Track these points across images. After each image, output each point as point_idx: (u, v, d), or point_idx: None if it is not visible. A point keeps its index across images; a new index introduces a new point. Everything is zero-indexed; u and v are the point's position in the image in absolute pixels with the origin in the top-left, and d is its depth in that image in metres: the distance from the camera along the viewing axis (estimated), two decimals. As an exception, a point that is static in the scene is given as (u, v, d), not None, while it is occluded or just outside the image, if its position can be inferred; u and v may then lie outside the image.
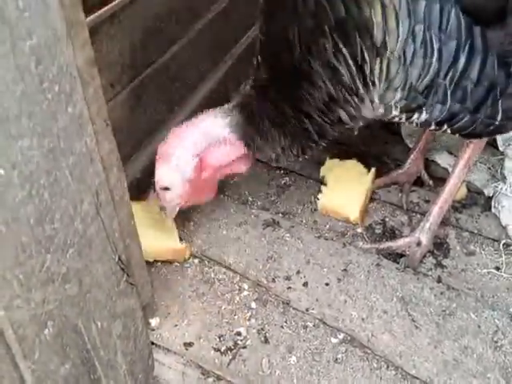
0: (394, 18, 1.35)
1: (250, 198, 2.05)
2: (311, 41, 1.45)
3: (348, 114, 1.57)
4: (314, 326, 1.62)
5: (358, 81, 1.47)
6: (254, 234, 1.88)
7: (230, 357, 1.54)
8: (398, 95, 1.47)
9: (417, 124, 1.56)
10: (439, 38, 1.37)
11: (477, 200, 1.99)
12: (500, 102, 1.47)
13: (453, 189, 1.75)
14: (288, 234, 1.88)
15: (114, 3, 1.72)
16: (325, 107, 1.55)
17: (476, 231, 1.89)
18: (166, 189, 1.70)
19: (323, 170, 2.07)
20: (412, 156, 2.04)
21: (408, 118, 1.56)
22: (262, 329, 1.61)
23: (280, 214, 1.98)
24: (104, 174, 1.10)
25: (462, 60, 1.39)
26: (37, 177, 0.88)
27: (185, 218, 1.93)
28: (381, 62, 1.42)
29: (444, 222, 1.87)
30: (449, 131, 1.56)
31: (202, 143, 1.67)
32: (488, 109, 1.48)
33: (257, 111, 1.64)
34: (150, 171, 1.97)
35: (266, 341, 1.58)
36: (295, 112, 1.58)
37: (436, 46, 1.37)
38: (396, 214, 1.97)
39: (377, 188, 2.04)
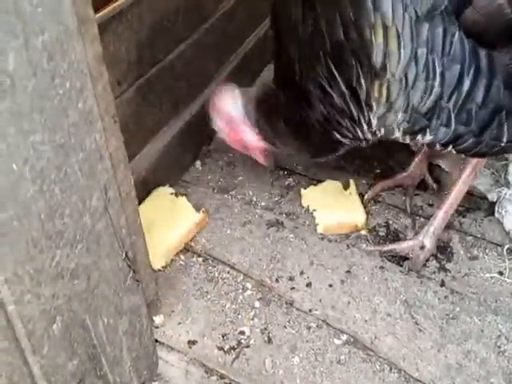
0: (396, 40, 1.32)
1: (254, 198, 2.04)
2: (307, 63, 1.48)
3: (342, 135, 1.58)
4: (317, 326, 1.62)
5: (351, 104, 1.47)
6: (258, 234, 1.88)
7: (234, 356, 1.54)
8: (400, 118, 1.45)
9: (423, 145, 1.55)
10: (442, 62, 1.34)
11: (480, 205, 1.99)
12: (506, 124, 1.44)
13: (458, 194, 1.75)
14: (292, 235, 1.88)
15: (121, 1, 1.72)
16: (320, 127, 1.58)
17: (480, 236, 1.89)
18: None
19: (304, 201, 2.02)
20: (416, 159, 2.04)
21: (412, 139, 1.54)
22: (266, 328, 1.61)
23: (284, 215, 1.98)
24: (112, 171, 1.10)
25: (467, 83, 1.35)
26: (48, 172, 0.89)
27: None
28: (380, 85, 1.40)
29: (448, 226, 1.86)
30: (454, 151, 1.54)
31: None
32: (494, 131, 1.45)
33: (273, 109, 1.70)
34: (155, 169, 1.99)
35: (270, 340, 1.58)
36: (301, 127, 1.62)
37: (438, 70, 1.34)
38: (400, 217, 1.97)
39: (381, 191, 2.04)
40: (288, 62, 1.54)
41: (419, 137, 1.50)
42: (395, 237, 1.89)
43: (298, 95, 1.57)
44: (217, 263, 1.80)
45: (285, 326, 1.62)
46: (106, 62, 1.12)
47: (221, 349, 1.56)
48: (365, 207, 1.99)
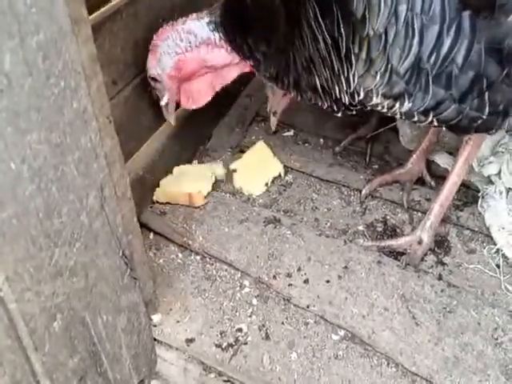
0: None
1: (252, 196, 2.05)
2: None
3: (321, 84, 1.58)
4: (314, 322, 1.62)
5: (332, 54, 1.47)
6: (256, 232, 1.89)
7: (232, 353, 1.55)
8: (379, 79, 1.45)
9: (401, 115, 1.54)
10: (421, 21, 1.33)
11: (477, 198, 2.00)
12: (487, 94, 1.42)
13: (453, 187, 1.76)
14: (289, 232, 1.88)
15: (116, 0, 1.73)
16: (306, 64, 1.57)
17: (477, 229, 1.89)
18: (155, 80, 1.82)
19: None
20: (414, 156, 2.04)
21: (390, 108, 1.53)
22: (263, 325, 1.62)
23: (281, 212, 1.98)
24: (107, 170, 1.11)
25: (447, 44, 1.35)
26: (45, 171, 0.90)
27: (186, 214, 1.94)
28: (360, 40, 1.40)
29: (445, 220, 1.88)
30: (435, 123, 1.52)
31: (186, 42, 1.75)
32: (474, 100, 1.43)
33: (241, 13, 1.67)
34: (152, 168, 1.99)
35: (267, 337, 1.59)
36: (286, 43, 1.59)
37: (417, 29, 1.34)
38: (397, 212, 1.98)
39: (378, 186, 2.05)
40: None
41: (397, 104, 1.50)
42: (393, 232, 1.90)
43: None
44: (214, 261, 1.81)
45: (282, 323, 1.62)
46: (102, 61, 1.13)
47: (219, 346, 1.57)
48: (362, 203, 2.00)
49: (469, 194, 2.03)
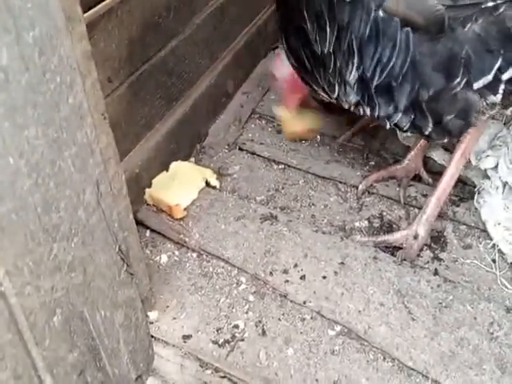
0: (323, 20, 1.52)
1: (249, 193, 2.06)
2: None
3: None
4: (311, 318, 1.63)
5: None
6: (252, 228, 1.89)
7: (228, 349, 1.56)
8: (337, 89, 1.65)
9: (371, 118, 1.70)
10: (359, 41, 1.49)
11: (474, 194, 2.00)
12: (424, 104, 1.53)
13: (450, 180, 1.77)
14: (286, 228, 1.89)
15: (111, -2, 1.73)
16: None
17: (473, 224, 1.90)
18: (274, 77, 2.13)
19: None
20: (412, 153, 2.05)
21: (358, 111, 1.70)
22: (260, 321, 1.62)
23: (278, 209, 1.99)
24: (103, 166, 1.11)
25: (383, 60, 1.49)
26: (42, 166, 0.90)
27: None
28: (317, 56, 1.61)
29: (441, 216, 1.88)
30: (396, 128, 1.66)
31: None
32: (416, 110, 1.55)
33: None
34: (148, 166, 1.99)
35: (264, 333, 1.59)
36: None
37: (356, 48, 1.51)
38: (393, 208, 1.98)
39: (375, 181, 2.06)
40: None
41: (360, 110, 1.67)
42: (389, 228, 1.90)
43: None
44: (211, 258, 1.81)
45: (279, 319, 1.63)
46: (97, 59, 1.14)
47: (215, 342, 1.57)
48: (359, 199, 2.01)
49: (465, 190, 2.03)
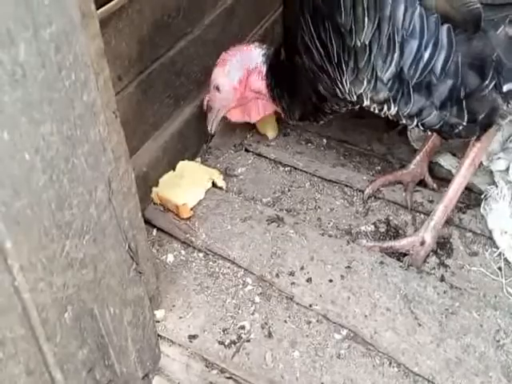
0: (361, 9, 1.44)
1: (255, 194, 2.05)
2: (297, 23, 1.64)
3: (325, 89, 1.74)
4: (317, 321, 1.63)
5: (326, 63, 1.62)
6: (259, 230, 1.89)
7: (234, 350, 1.55)
8: (366, 85, 1.58)
9: (391, 117, 1.66)
10: (402, 36, 1.45)
11: (480, 201, 1.99)
12: (465, 103, 1.51)
13: (458, 188, 1.76)
14: (292, 231, 1.88)
15: (122, -3, 1.73)
16: (311, 76, 1.73)
17: (479, 232, 1.89)
18: (217, 89, 2.01)
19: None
20: (418, 157, 2.05)
21: (380, 110, 1.66)
22: (266, 323, 1.62)
23: (284, 211, 1.98)
24: (114, 164, 1.11)
25: (425, 56, 1.45)
26: (57, 162, 0.90)
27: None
28: (348, 50, 1.53)
29: (448, 222, 1.88)
30: (421, 127, 1.63)
31: (246, 63, 1.99)
32: (453, 107, 1.53)
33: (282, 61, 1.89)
34: (155, 165, 1.99)
35: (270, 335, 1.59)
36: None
37: (398, 43, 1.46)
38: (400, 214, 1.98)
39: (381, 186, 2.05)
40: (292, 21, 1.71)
41: (385, 107, 1.63)
42: (395, 233, 1.90)
43: (292, 52, 1.76)
44: (217, 258, 1.81)
45: (285, 321, 1.63)
46: (108, 57, 1.14)
47: (221, 343, 1.57)
48: (365, 203, 2.00)
49: (471, 197, 2.02)
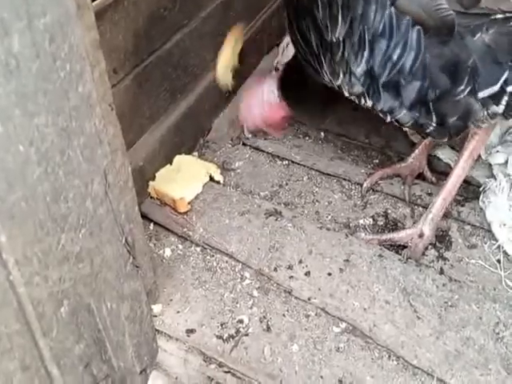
0: (336, 7, 1.47)
1: (253, 188, 2.04)
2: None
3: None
4: (315, 315, 1.62)
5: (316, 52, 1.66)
6: (257, 224, 1.88)
7: (232, 344, 1.54)
8: (341, 77, 1.61)
9: (371, 110, 1.68)
10: (372, 36, 1.46)
11: (478, 194, 1.99)
12: (432, 104, 1.52)
13: (456, 180, 1.76)
14: (290, 224, 1.87)
15: (118, -11, 1.72)
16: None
17: (478, 224, 1.89)
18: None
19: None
20: (416, 151, 2.04)
21: (359, 102, 1.67)
22: (264, 317, 1.61)
23: (282, 204, 1.97)
24: (110, 156, 1.10)
25: (394, 57, 1.47)
26: (52, 155, 0.89)
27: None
28: (326, 44, 1.57)
29: (446, 215, 1.87)
30: (395, 123, 1.65)
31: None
32: (422, 109, 1.54)
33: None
34: (152, 159, 1.98)
35: (268, 329, 1.58)
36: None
37: (368, 42, 1.48)
38: (398, 207, 1.97)
39: (379, 179, 2.04)
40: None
41: (363, 100, 1.64)
42: (394, 226, 1.89)
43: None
44: (215, 252, 1.80)
45: (283, 315, 1.62)
46: (103, 49, 1.12)
47: (219, 337, 1.56)
48: (363, 196, 2.00)
49: (470, 190, 2.02)
